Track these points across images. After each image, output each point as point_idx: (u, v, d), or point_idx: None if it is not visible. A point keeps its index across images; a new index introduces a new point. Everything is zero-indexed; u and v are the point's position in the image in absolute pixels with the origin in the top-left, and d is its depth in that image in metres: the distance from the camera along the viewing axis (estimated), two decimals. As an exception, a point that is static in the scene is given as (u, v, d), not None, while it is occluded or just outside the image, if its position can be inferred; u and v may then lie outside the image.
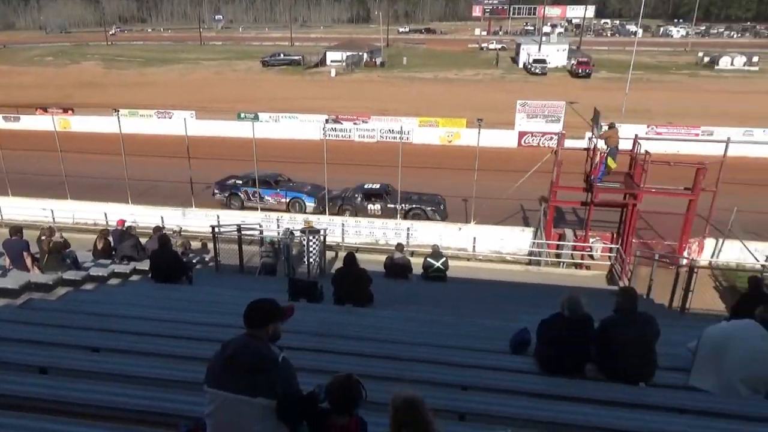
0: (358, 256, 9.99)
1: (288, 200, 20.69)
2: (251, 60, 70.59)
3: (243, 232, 13.58)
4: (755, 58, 62.73)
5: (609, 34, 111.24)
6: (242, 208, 20.45)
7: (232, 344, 3.26)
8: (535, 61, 59.46)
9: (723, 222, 16.81)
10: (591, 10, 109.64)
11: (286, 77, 59.83)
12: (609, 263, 15.37)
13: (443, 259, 12.20)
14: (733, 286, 14.11)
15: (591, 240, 16.33)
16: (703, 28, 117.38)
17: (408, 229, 16.93)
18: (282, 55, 68.63)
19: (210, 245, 14.04)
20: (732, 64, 62.04)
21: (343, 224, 17.19)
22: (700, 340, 5.09)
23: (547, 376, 5.18)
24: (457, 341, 6.53)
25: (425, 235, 16.97)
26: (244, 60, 72.21)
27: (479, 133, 18.15)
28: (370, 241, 17.68)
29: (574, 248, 16.31)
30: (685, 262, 12.80)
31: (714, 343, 4.91)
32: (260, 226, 16.03)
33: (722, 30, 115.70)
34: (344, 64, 63.57)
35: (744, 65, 61.68)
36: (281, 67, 65.31)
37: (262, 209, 19.70)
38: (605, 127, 16.57)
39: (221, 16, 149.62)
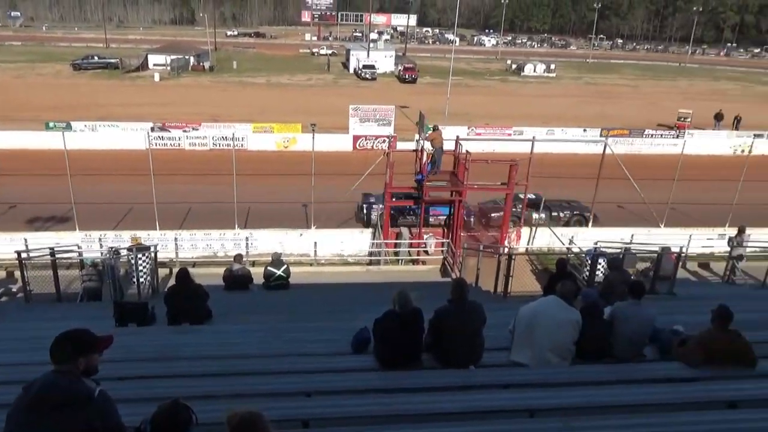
0: (195, 270, 9.53)
1: (444, 217, 19.00)
2: (59, 63, 63.44)
3: (58, 256, 12.16)
4: (552, 66, 71.55)
5: (431, 42, 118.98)
6: (395, 225, 18.73)
7: (37, 384, 2.90)
8: (365, 66, 61.48)
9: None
10: (413, 19, 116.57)
11: (102, 82, 54.70)
12: (442, 257, 16.44)
13: (285, 267, 12.09)
14: (546, 269, 15.91)
15: (425, 236, 17.30)
16: (510, 38, 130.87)
17: (247, 238, 16.46)
18: (96, 57, 62.65)
19: (17, 273, 12.33)
20: (535, 70, 70.05)
21: (176, 238, 16.18)
22: (515, 320, 5.66)
23: (387, 371, 5.40)
24: (300, 348, 6.53)
25: (266, 243, 16.65)
26: (50, 62, 64.64)
27: (313, 138, 18.29)
28: (207, 254, 16.88)
29: (411, 245, 17.16)
30: (505, 250, 14.12)
31: (526, 321, 5.50)
32: (79, 247, 14.48)
33: (525, 40, 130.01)
34: (169, 67, 59.93)
35: (544, 72, 69.98)
36: (96, 70, 59.64)
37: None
38: (430, 129, 17.68)
39: (19, 13, 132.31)
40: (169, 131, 31.63)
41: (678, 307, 9.70)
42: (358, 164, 21.02)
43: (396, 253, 16.99)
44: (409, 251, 17.08)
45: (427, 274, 15.53)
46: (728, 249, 15.59)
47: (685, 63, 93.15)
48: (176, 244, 16.09)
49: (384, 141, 29.37)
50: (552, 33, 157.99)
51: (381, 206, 18.81)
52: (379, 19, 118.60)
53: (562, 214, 20.27)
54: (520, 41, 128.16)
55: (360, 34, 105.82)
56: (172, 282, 9.31)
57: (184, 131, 31.73)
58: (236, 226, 17.20)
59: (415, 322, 5.25)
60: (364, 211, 20.04)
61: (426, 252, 17.06)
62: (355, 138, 31.39)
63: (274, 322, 8.24)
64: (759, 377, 5.26)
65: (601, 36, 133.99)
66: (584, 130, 35.34)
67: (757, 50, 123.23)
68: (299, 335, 7.25)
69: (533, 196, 19.85)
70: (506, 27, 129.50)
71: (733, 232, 16.03)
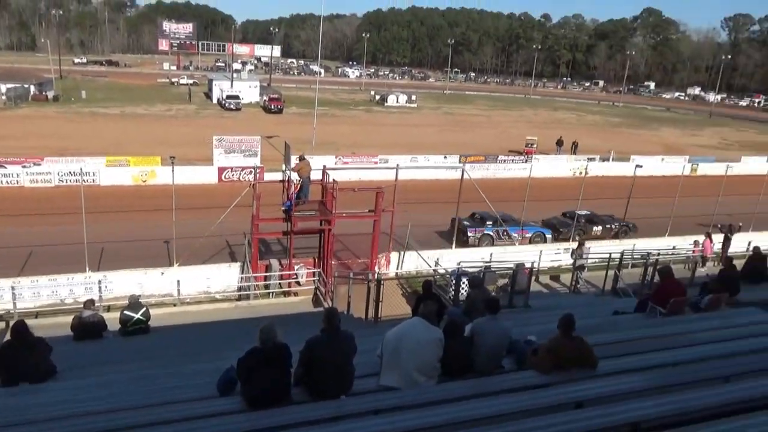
0: (38, 321, 8.56)
1: (531, 235, 21.86)
2: None
3: None
4: (414, 97, 75.28)
5: (296, 73, 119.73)
6: (492, 244, 21.26)
7: None
8: (229, 96, 60.20)
9: (403, 236, 19.53)
10: (277, 50, 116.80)
11: None
12: (314, 287, 16.32)
13: (143, 309, 11.25)
14: (415, 291, 16.42)
15: (296, 267, 17.10)
16: (373, 70, 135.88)
17: (100, 281, 15.09)
18: None
19: None
20: (397, 101, 73.19)
21: (13, 287, 14.37)
22: (382, 344, 5.75)
23: (255, 410, 5.19)
24: (161, 396, 6.09)
25: (122, 285, 15.40)
26: None
27: (173, 170, 17.44)
28: (53, 302, 15.19)
29: (281, 277, 16.85)
30: (375, 276, 14.38)
31: (392, 344, 5.61)
32: None
33: (387, 72, 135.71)
34: (5, 97, 54.11)
35: (406, 102, 73.36)
36: None
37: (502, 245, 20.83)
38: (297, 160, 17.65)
39: None
40: (5, 167, 28.33)
41: (532, 318, 10.49)
42: (224, 196, 20.43)
43: (266, 286, 16.58)
44: (280, 283, 16.75)
45: (299, 305, 15.32)
46: (572, 261, 17.24)
47: (529, 95, 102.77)
48: (14, 293, 14.31)
49: (251, 172, 28.80)
50: (412, 66, 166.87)
51: (479, 229, 21.85)
52: (242, 49, 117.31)
53: (613, 226, 23.32)
54: (382, 73, 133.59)
55: (223, 64, 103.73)
56: (7, 337, 8.25)
57: (24, 167, 28.62)
58: (87, 268, 15.75)
59: (280, 357, 5.13)
60: (468, 234, 21.70)
61: (297, 283, 16.85)
62: (221, 170, 30.46)
63: (133, 371, 7.62)
64: (600, 377, 5.82)
65: (456, 69, 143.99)
66: (445, 157, 37.40)
67: (587, 84, 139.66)
68: (161, 382, 6.78)
69: (588, 212, 23.73)
70: (369, 60, 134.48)
71: (575, 245, 17.78)
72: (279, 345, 5.13)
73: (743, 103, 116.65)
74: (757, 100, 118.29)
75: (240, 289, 16.66)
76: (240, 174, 30.19)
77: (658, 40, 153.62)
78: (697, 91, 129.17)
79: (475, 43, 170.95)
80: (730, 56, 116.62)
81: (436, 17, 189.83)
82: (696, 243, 19.92)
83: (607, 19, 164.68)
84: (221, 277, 16.95)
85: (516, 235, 21.51)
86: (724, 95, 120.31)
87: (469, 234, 21.63)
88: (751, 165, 40.03)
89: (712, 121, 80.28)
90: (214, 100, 63.95)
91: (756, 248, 14.00)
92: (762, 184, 23.40)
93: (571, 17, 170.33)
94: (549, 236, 22.32)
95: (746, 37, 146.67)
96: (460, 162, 34.78)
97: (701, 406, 5.04)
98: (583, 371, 5.82)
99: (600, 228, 23.26)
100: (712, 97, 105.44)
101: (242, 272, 16.97)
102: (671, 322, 8.52)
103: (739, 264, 12.55)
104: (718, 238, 20.10)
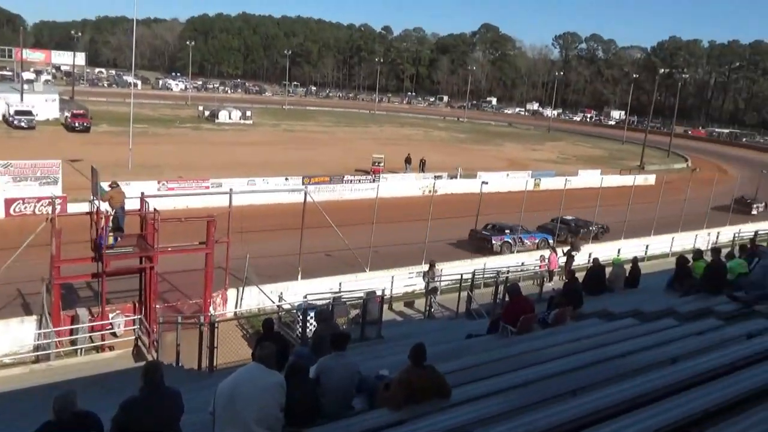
0: None
1: (538, 240, 26.37)
2: None
3: None
4: (249, 113, 74.27)
5: (106, 85, 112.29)
6: (511, 251, 25.15)
7: None
8: (18, 112, 54.42)
9: (242, 270, 18.96)
10: (81, 57, 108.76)
11: None
12: (134, 337, 15.16)
13: None
14: (257, 331, 15.96)
15: (110, 315, 15.77)
16: (200, 82, 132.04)
17: None
18: None
19: None
20: (230, 117, 71.68)
21: None
22: (215, 398, 5.44)
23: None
24: None
25: None
26: None
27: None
28: None
29: (92, 329, 15.43)
30: (208, 318, 13.74)
31: (227, 396, 5.31)
32: None
33: (217, 85, 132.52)
34: None
35: (240, 119, 72.12)
36: None
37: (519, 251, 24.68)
38: (107, 188, 16.41)
39: None
40: None
41: (385, 349, 10.73)
42: (14, 234, 18.47)
43: (73, 342, 15.02)
44: (90, 336, 15.31)
45: (116, 361, 14.11)
46: (424, 284, 18.04)
47: (374, 110, 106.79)
48: None
49: (49, 203, 26.19)
50: (245, 78, 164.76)
51: (500, 237, 25.97)
52: (35, 55, 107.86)
53: (593, 228, 28.32)
54: (211, 86, 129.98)
55: (10, 73, 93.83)
56: None
57: None
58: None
59: (81, 430, 4.63)
60: (493, 242, 25.81)
61: (114, 334, 15.55)
62: (8, 201, 27.37)
63: None
64: (454, 406, 6.05)
65: (295, 83, 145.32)
66: (286, 179, 37.22)
67: (432, 99, 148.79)
68: None
69: (574, 218, 28.78)
70: (195, 71, 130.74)
71: (426, 268, 18.64)
72: (80, 414, 4.65)
73: (577, 118, 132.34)
74: (588, 115, 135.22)
75: (37, 348, 14.94)
76: (35, 206, 27.38)
77: (497, 55, 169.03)
78: (535, 106, 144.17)
79: (314, 55, 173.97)
80: (562, 72, 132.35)
81: (270, 26, 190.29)
82: (542, 258, 21.95)
83: (448, 34, 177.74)
84: (11, 336, 15.03)
85: (528, 241, 26.17)
86: (560, 110, 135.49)
87: (494, 242, 26.02)
88: (587, 178, 45.29)
89: (550, 136, 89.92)
90: (-1, 117, 57.59)
91: (595, 259, 15.84)
92: (597, 196, 26.55)
93: (412, 30, 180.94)
94: (551, 240, 26.21)
95: (575, 55, 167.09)
96: (303, 183, 34.93)
97: (554, 423, 5.44)
98: (436, 402, 6.01)
99: (585, 230, 28.38)
100: (549, 112, 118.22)
101: (39, 327, 15.22)
102: (521, 340, 9.22)
103: (582, 276, 14.05)
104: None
